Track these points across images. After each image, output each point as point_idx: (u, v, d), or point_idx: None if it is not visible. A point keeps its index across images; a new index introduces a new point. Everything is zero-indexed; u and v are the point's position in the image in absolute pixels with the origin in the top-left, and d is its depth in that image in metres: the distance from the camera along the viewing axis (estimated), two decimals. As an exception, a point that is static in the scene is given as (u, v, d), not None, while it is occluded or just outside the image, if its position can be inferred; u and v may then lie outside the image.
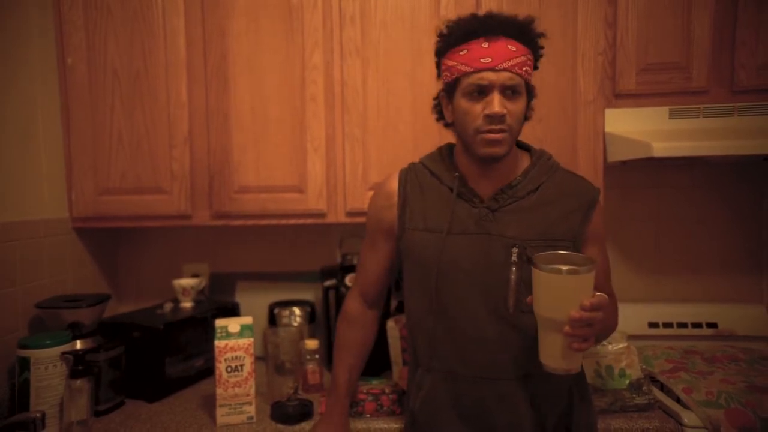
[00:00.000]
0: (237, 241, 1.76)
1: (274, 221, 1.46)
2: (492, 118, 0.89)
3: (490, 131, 0.90)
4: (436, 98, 1.03)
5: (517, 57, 0.90)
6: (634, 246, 1.67)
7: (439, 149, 1.07)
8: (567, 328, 0.78)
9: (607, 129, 1.39)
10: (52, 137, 1.44)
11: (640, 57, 1.37)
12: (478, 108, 0.90)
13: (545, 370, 0.83)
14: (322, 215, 1.46)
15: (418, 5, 1.41)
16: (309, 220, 1.47)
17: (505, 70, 0.89)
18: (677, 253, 1.66)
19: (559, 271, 0.79)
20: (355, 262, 1.52)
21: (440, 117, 1.03)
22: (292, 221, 1.47)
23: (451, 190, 0.98)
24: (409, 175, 1.05)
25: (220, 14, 1.42)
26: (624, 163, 1.43)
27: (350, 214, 1.45)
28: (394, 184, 1.05)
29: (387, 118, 1.43)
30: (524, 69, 0.91)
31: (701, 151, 1.23)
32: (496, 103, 0.89)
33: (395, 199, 1.04)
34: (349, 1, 1.41)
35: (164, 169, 1.45)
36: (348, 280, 1.48)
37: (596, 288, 0.90)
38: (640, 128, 1.37)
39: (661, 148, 1.21)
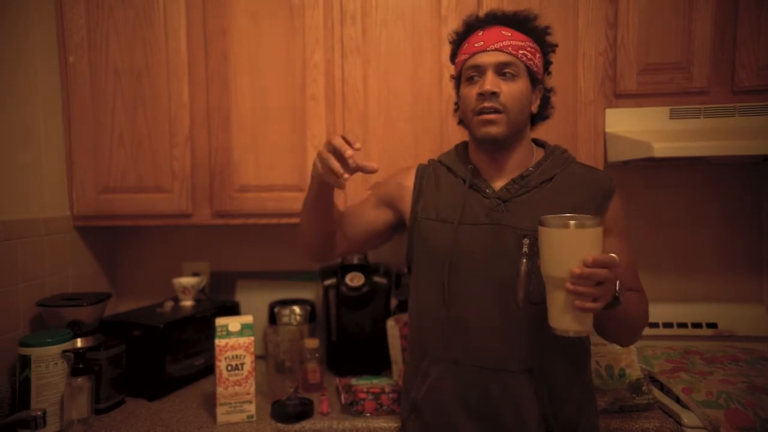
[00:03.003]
0: (237, 240, 1.76)
1: (274, 220, 1.47)
2: (484, 96, 0.92)
3: (483, 110, 0.93)
4: (456, 103, 1.08)
5: (510, 40, 0.94)
6: (634, 245, 1.66)
7: (456, 146, 1.11)
8: (568, 284, 0.75)
9: (608, 129, 1.39)
10: (53, 136, 1.44)
11: (640, 57, 1.37)
12: (473, 90, 0.95)
13: (555, 334, 0.80)
14: (322, 214, 1.46)
15: (419, 4, 1.42)
16: (309, 220, 1.47)
17: (496, 50, 0.93)
18: (677, 252, 1.66)
19: (562, 226, 0.77)
20: (355, 261, 1.52)
21: (460, 120, 1.07)
22: (293, 220, 1.46)
23: (464, 181, 1.01)
24: (426, 170, 1.09)
25: (221, 13, 1.43)
26: (625, 163, 1.43)
27: (350, 213, 1.45)
28: (411, 173, 1.09)
29: (387, 117, 1.43)
30: (520, 53, 0.94)
31: (702, 151, 1.23)
32: (486, 81, 0.93)
33: (409, 183, 1.07)
34: (350, 0, 1.42)
35: (165, 167, 1.45)
36: (348, 279, 1.49)
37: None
38: (641, 128, 1.37)
39: (661, 149, 1.21)
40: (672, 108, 1.37)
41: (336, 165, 0.86)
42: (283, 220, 1.47)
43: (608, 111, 1.39)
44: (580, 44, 1.39)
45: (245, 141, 1.45)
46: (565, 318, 0.79)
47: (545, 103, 1.02)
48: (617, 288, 0.81)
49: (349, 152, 0.85)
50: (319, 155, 0.89)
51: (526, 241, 0.92)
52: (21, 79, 1.34)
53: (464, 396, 0.95)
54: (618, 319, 0.88)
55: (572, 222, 0.76)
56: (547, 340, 0.92)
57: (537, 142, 1.05)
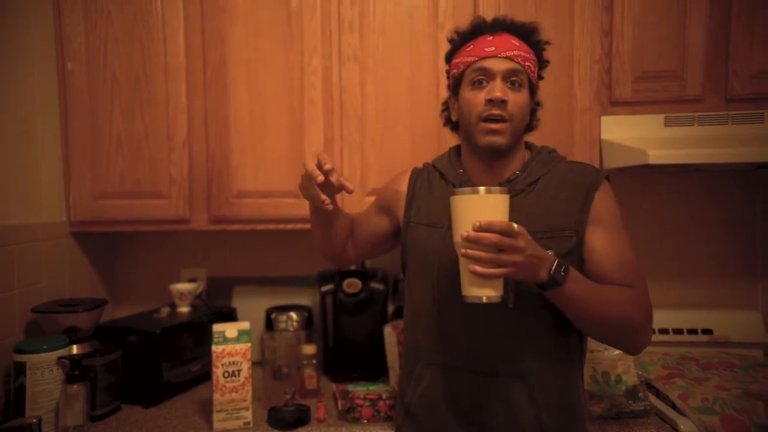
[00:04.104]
0: (234, 246, 1.76)
1: (272, 226, 1.47)
2: (493, 103, 0.92)
3: (490, 117, 0.93)
4: (444, 103, 1.08)
5: (519, 50, 0.94)
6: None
7: (448, 150, 1.11)
8: (461, 248, 0.78)
9: (603, 136, 1.40)
10: (51, 141, 1.44)
11: (635, 65, 1.39)
12: (481, 95, 0.94)
13: (465, 302, 0.82)
14: (320, 220, 1.46)
15: (416, 12, 1.43)
16: (307, 225, 1.45)
17: (507, 58, 0.93)
18: (672, 259, 1.67)
19: (456, 193, 0.81)
20: (352, 267, 1.52)
21: (447, 122, 1.08)
22: (290, 226, 1.47)
23: (454, 186, 1.01)
24: (420, 174, 1.10)
25: (219, 19, 1.43)
26: (620, 170, 1.44)
27: (348, 219, 1.45)
28: (405, 177, 1.11)
29: (385, 124, 1.44)
30: (526, 64, 0.95)
31: (696, 158, 1.24)
32: (497, 88, 0.92)
33: (403, 187, 1.09)
34: (347, 7, 1.43)
35: (163, 173, 1.45)
36: (346, 284, 1.49)
37: (603, 278, 0.91)
38: (636, 135, 1.38)
39: (656, 156, 1.22)
40: (666, 116, 1.39)
41: (314, 191, 0.90)
42: (281, 226, 1.47)
43: (604, 118, 1.40)
44: (575, 52, 1.40)
45: (243, 146, 1.45)
46: (464, 283, 0.81)
47: (533, 115, 1.03)
48: (552, 267, 0.81)
49: (319, 179, 0.87)
50: (301, 181, 0.94)
51: None
52: (18, 85, 1.34)
53: (457, 400, 0.95)
54: (568, 303, 0.86)
55: (469, 189, 0.80)
56: (540, 343, 0.93)
57: (526, 145, 1.06)
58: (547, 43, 1.00)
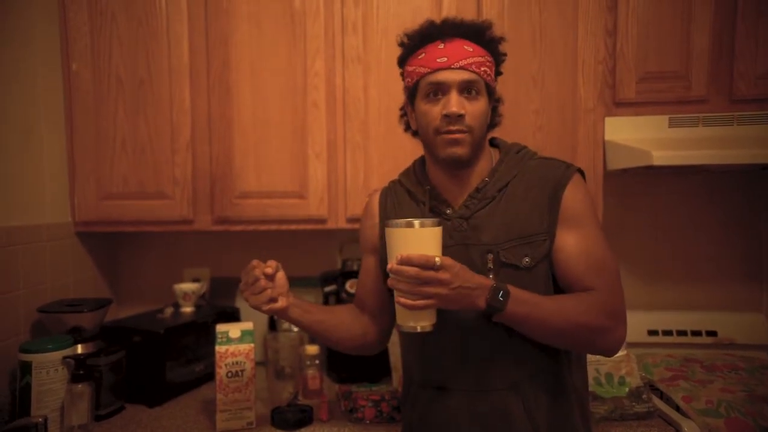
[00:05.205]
0: (238, 246, 1.77)
1: (274, 227, 1.47)
2: (450, 118, 0.89)
3: (448, 132, 0.90)
4: (402, 108, 1.03)
5: (473, 57, 0.90)
6: (633, 253, 1.68)
7: (413, 163, 1.07)
8: (388, 281, 0.81)
9: (607, 137, 1.40)
10: (55, 142, 1.45)
11: (639, 65, 1.38)
12: (436, 109, 0.90)
13: (401, 331, 0.85)
14: (322, 221, 1.46)
15: (419, 13, 1.42)
16: (310, 226, 1.47)
17: (461, 68, 0.88)
18: (677, 260, 1.67)
19: (389, 225, 0.83)
20: (355, 267, 1.52)
21: (407, 127, 1.03)
22: (293, 227, 1.47)
23: (424, 204, 0.98)
24: (389, 194, 1.06)
25: (223, 21, 1.44)
26: (624, 171, 1.43)
27: (351, 220, 1.46)
28: (375, 204, 1.07)
29: (388, 125, 1.44)
30: (482, 69, 0.90)
31: (700, 159, 1.23)
32: (452, 102, 0.88)
33: (377, 219, 1.05)
34: (351, 9, 1.43)
35: (166, 174, 1.46)
36: (348, 285, 1.49)
37: (572, 278, 0.89)
38: (640, 136, 1.38)
39: (660, 157, 1.22)
40: (671, 116, 1.38)
41: (262, 296, 0.99)
42: (284, 227, 1.47)
43: (608, 119, 1.40)
44: (579, 53, 1.40)
45: (246, 147, 1.45)
46: (397, 313, 0.84)
47: (494, 112, 0.99)
48: (487, 294, 0.81)
49: (267, 270, 0.99)
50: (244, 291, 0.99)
51: (490, 256, 0.90)
52: (23, 85, 1.35)
53: (454, 418, 0.93)
54: (516, 324, 0.85)
55: (403, 222, 0.82)
56: (529, 354, 0.91)
57: (492, 143, 1.02)
58: (502, 38, 0.95)
